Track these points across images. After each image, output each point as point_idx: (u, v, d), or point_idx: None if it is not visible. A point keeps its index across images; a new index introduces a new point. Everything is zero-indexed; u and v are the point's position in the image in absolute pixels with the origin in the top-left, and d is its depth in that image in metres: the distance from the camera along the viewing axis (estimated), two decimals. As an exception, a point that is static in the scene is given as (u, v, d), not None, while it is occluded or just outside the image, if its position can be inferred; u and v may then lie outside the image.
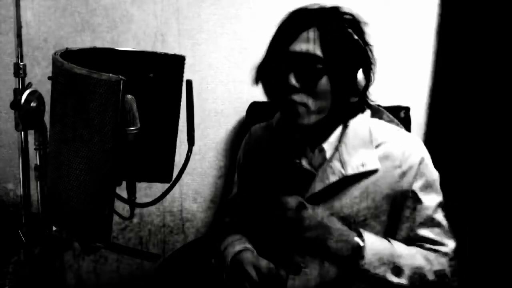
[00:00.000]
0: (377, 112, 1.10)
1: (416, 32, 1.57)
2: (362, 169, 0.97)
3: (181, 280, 1.29)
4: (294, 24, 0.94)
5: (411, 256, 0.96)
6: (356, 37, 0.93)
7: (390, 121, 1.11)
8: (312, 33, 0.91)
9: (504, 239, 1.43)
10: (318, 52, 0.90)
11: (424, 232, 0.99)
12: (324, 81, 0.91)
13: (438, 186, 1.02)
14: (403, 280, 0.94)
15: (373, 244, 0.94)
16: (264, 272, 1.00)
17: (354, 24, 0.95)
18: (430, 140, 1.61)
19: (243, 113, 1.58)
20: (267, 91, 1.00)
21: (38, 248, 0.88)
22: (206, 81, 1.59)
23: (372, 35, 1.57)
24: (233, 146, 1.65)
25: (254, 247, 1.09)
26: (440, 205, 1.01)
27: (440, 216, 1.00)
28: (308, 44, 0.91)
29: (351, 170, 0.97)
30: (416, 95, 1.61)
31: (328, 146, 1.00)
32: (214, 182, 1.68)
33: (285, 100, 0.93)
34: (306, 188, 1.00)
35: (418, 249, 0.99)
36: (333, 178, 0.97)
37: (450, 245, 1.00)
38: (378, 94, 1.55)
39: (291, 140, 1.04)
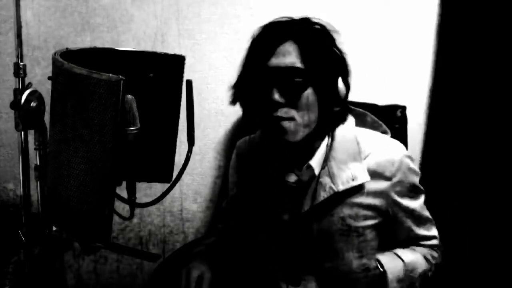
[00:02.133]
0: (359, 115, 1.09)
1: (416, 32, 1.57)
2: (352, 183, 0.95)
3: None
4: (269, 38, 0.93)
5: (417, 263, 1.03)
6: (332, 47, 0.94)
7: (373, 123, 1.10)
8: (289, 46, 0.90)
9: (504, 238, 1.43)
10: (299, 64, 0.89)
11: (419, 231, 1.05)
12: (308, 93, 0.90)
13: (419, 184, 1.05)
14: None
15: (392, 269, 0.99)
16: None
17: (326, 34, 0.95)
18: (429, 140, 1.61)
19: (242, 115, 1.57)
20: (246, 109, 0.98)
21: (38, 248, 0.87)
22: (206, 81, 1.59)
23: (372, 35, 1.57)
24: (233, 146, 1.65)
25: (251, 256, 1.09)
26: (424, 200, 1.06)
27: (426, 211, 1.06)
28: (288, 57, 0.90)
29: (341, 185, 0.95)
30: (415, 95, 1.60)
31: (316, 162, 0.98)
32: (214, 182, 1.68)
33: (270, 117, 0.91)
34: (296, 206, 0.99)
35: (417, 250, 1.05)
36: (324, 195, 0.96)
37: (436, 233, 1.08)
38: (378, 94, 1.56)
39: (277, 157, 1.03)
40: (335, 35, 0.96)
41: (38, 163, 0.86)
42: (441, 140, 1.57)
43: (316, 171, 0.98)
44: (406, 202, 1.01)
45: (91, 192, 0.70)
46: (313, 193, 0.97)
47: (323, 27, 0.95)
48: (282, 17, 0.96)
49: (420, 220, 1.05)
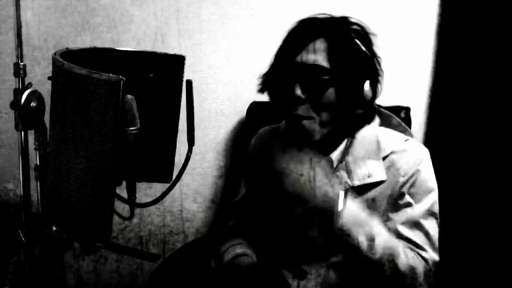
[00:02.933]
0: (386, 118, 1.10)
1: (416, 32, 1.57)
2: (368, 180, 0.96)
3: (181, 280, 1.29)
4: (301, 34, 0.93)
5: (390, 239, 0.93)
6: (363, 49, 0.93)
7: (398, 126, 1.10)
8: (319, 44, 0.91)
9: (504, 238, 1.43)
10: (325, 63, 0.90)
11: (407, 232, 0.97)
12: (330, 93, 0.91)
13: (435, 199, 0.99)
14: (374, 254, 0.90)
15: (352, 208, 0.91)
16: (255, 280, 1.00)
17: (362, 35, 0.94)
18: (429, 140, 1.61)
19: (243, 113, 1.57)
20: (273, 100, 1.00)
21: (38, 248, 0.87)
22: (206, 81, 1.59)
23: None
24: (233, 146, 1.65)
25: (259, 251, 1.09)
26: (433, 215, 0.99)
27: (428, 225, 0.98)
28: (315, 55, 0.90)
29: (357, 181, 0.97)
30: (416, 95, 1.61)
31: (335, 157, 1.00)
32: (214, 182, 1.68)
33: (291, 114, 0.92)
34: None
35: (400, 241, 0.96)
36: (338, 189, 0.96)
37: (431, 254, 0.98)
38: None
39: (298, 150, 1.03)
40: (372, 38, 0.95)
41: (38, 163, 0.86)
42: (441, 140, 1.57)
43: (334, 165, 0.99)
44: (409, 198, 0.98)
45: (91, 192, 0.70)
46: None
47: (360, 28, 0.95)
48: (320, 14, 0.96)
49: (408, 221, 0.98)
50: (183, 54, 0.87)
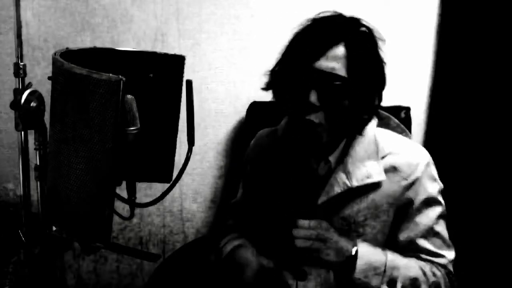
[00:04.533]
0: (384, 118, 1.10)
1: (416, 32, 1.57)
2: (367, 181, 0.95)
3: (181, 280, 1.29)
4: (321, 38, 0.89)
5: (407, 268, 0.95)
6: (381, 57, 0.92)
7: (396, 127, 1.10)
8: (340, 51, 0.88)
9: (504, 238, 1.43)
10: (343, 72, 0.87)
11: (423, 243, 0.99)
12: (345, 103, 0.89)
13: (440, 197, 1.01)
14: None
15: (366, 254, 0.93)
16: (257, 270, 1.00)
17: (372, 40, 0.92)
18: (429, 140, 1.61)
19: (243, 113, 1.58)
20: (279, 101, 0.98)
21: (38, 248, 0.87)
22: (206, 81, 1.59)
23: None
24: (233, 146, 1.65)
25: (258, 251, 1.08)
26: (442, 216, 1.00)
27: (440, 227, 1.00)
28: (335, 62, 0.87)
29: (356, 181, 0.96)
30: (416, 95, 1.61)
31: (334, 158, 1.00)
32: (214, 182, 1.68)
33: (301, 118, 0.90)
34: (311, 199, 0.99)
35: (415, 260, 0.98)
36: (337, 190, 0.96)
37: (448, 256, 1.00)
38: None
39: (297, 151, 1.02)
40: (380, 42, 0.93)
41: (38, 163, 0.86)
42: (441, 140, 1.57)
43: (333, 166, 0.99)
44: (420, 207, 0.98)
45: (91, 192, 0.70)
46: (328, 188, 0.97)
47: (370, 32, 0.93)
48: (331, 12, 0.93)
49: (425, 232, 0.98)
50: (183, 54, 0.87)
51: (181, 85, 0.87)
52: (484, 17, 1.45)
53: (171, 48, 1.56)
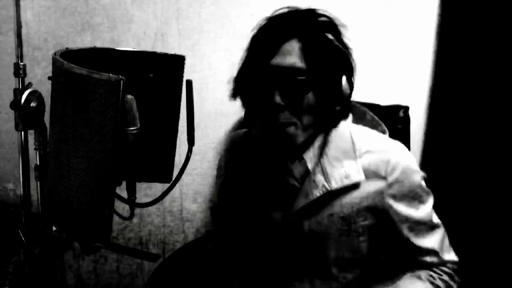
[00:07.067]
0: (359, 113, 1.06)
1: (416, 32, 1.57)
2: (346, 182, 0.92)
3: (181, 280, 1.29)
4: (273, 35, 0.89)
5: None
6: (336, 43, 0.90)
7: (372, 121, 1.07)
8: (293, 45, 0.87)
9: (504, 238, 1.43)
10: (302, 64, 0.86)
11: (421, 242, 0.97)
12: (310, 96, 0.87)
13: (425, 187, 0.98)
14: None
15: None
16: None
17: (332, 28, 0.91)
18: (429, 140, 1.61)
19: (243, 113, 1.57)
20: (247, 107, 0.96)
21: (38, 248, 0.88)
22: (206, 81, 1.59)
23: (372, 35, 1.57)
24: (233, 146, 1.65)
25: (240, 260, 1.06)
26: (438, 226, 0.99)
27: (435, 218, 0.99)
28: (291, 56, 0.86)
29: (335, 183, 0.92)
30: (416, 94, 1.60)
31: (309, 157, 0.96)
32: (214, 182, 1.68)
33: (272, 123, 0.88)
34: (289, 203, 0.96)
35: (421, 282, 0.96)
36: (316, 193, 0.93)
37: (450, 263, 0.99)
38: (379, 94, 1.56)
39: (271, 152, 0.99)
40: (341, 30, 0.92)
41: (38, 163, 0.86)
42: (441, 140, 1.57)
43: (309, 166, 0.95)
44: (402, 208, 0.95)
45: (91, 192, 0.70)
46: (307, 191, 0.94)
47: (329, 21, 0.91)
48: (286, 8, 0.93)
49: (420, 230, 0.96)
50: (183, 54, 0.87)
51: (181, 85, 0.87)
52: (484, 17, 1.45)
53: (171, 48, 1.56)
